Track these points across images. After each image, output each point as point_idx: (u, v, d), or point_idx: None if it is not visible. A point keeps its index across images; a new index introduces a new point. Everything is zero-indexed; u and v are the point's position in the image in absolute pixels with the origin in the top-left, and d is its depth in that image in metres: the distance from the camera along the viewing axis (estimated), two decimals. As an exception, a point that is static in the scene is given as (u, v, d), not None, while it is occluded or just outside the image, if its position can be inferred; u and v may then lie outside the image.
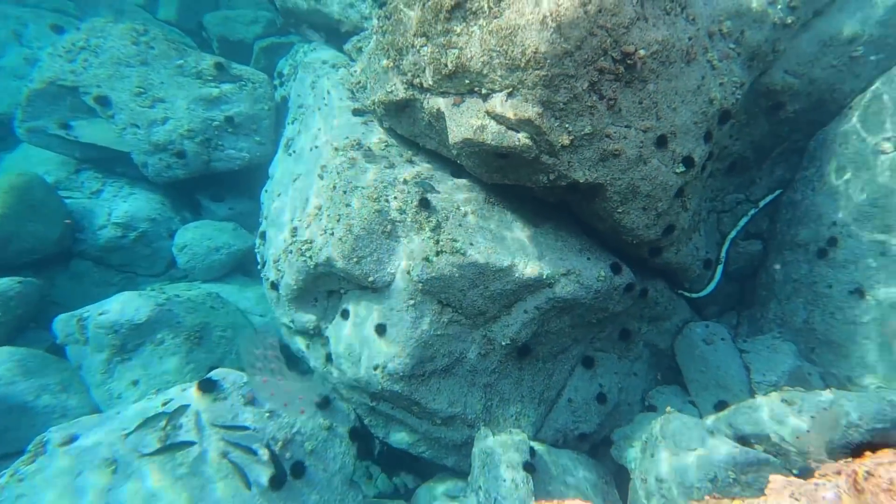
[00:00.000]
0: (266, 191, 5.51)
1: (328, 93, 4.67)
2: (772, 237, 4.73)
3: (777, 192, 4.69)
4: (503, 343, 3.64)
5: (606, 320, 4.05)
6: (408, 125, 3.99)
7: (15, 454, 3.48)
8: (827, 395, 3.02)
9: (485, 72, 2.99)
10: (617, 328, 4.28)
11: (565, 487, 3.47)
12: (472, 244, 3.53)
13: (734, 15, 3.67)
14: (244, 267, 6.17)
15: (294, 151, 5.10)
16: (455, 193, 3.89)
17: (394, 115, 3.98)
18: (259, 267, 5.16)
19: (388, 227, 3.79)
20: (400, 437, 3.85)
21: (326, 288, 4.15)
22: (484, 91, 3.08)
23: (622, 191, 3.35)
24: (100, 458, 3.08)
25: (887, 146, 3.80)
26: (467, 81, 3.14)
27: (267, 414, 3.45)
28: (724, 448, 3.03)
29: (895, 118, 3.81)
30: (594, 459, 3.99)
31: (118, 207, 5.62)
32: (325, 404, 3.78)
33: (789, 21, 3.83)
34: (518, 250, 3.56)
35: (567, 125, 3.01)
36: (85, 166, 5.94)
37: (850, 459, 2.44)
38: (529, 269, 3.49)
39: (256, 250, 5.30)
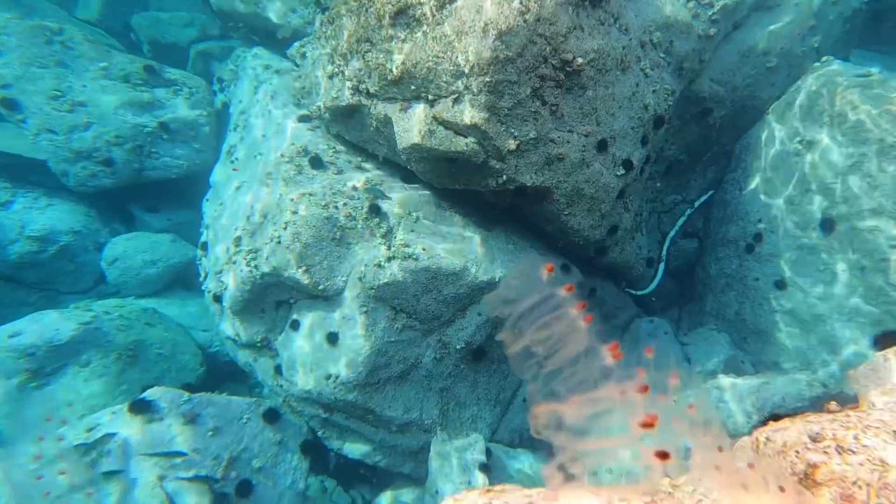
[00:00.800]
0: (207, 200, 5.24)
1: (272, 98, 4.51)
2: (706, 235, 5.06)
3: (710, 193, 5.03)
4: (458, 347, 3.64)
5: (558, 319, 4.14)
6: (356, 131, 3.93)
7: None
8: (755, 380, 3.25)
9: (430, 77, 3.00)
10: (568, 327, 4.39)
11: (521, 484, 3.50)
12: (423, 249, 3.52)
13: (663, 26, 3.92)
14: (185, 280, 5.84)
15: (236, 158, 4.89)
16: (406, 199, 3.86)
17: (341, 121, 3.90)
18: (201, 279, 4.89)
19: (338, 233, 3.71)
20: (355, 448, 3.76)
21: (274, 298, 3.99)
22: (430, 97, 3.09)
23: (568, 193, 3.46)
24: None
25: (800, 147, 4.17)
26: (413, 87, 3.13)
27: (210, 432, 3.26)
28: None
29: (805, 122, 4.19)
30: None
31: (34, 220, 5.12)
32: (273, 418, 3.63)
33: (712, 32, 4.13)
34: (470, 254, 3.59)
35: (513, 130, 3.07)
36: None
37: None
38: (482, 272, 3.52)
39: (198, 262, 5.02)
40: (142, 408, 3.22)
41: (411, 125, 3.17)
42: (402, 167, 3.96)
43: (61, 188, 5.39)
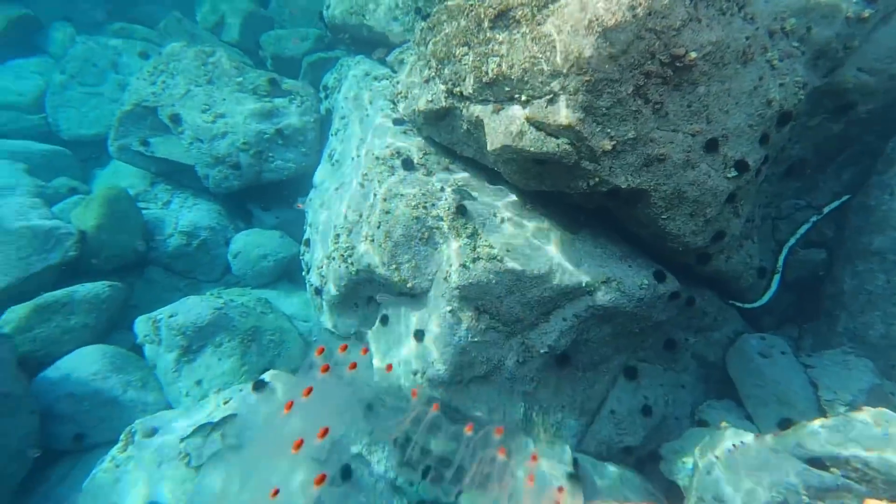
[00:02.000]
0: (310, 199, 5.73)
1: (370, 103, 4.82)
2: (839, 245, 4.37)
3: (844, 198, 4.33)
4: (541, 351, 3.58)
5: (650, 330, 3.90)
6: (446, 133, 4.05)
7: (110, 443, 3.87)
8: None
9: (525, 79, 2.99)
10: (661, 338, 4.10)
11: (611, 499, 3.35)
12: (508, 251, 3.52)
13: (800, 11, 3.45)
14: (290, 274, 6.41)
15: (337, 161, 5.30)
16: (492, 200, 3.89)
17: (433, 123, 4.04)
18: (304, 273, 5.37)
19: (426, 233, 3.85)
20: (439, 444, 3.87)
21: (367, 294, 4.26)
22: (524, 98, 3.07)
23: (667, 196, 3.22)
24: (175, 452, 3.33)
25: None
26: (507, 89, 3.14)
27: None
28: (794, 470, 2.81)
29: None
30: (641, 474, 3.83)
31: (184, 217, 6.04)
32: (368, 409, 3.87)
33: (866, 15, 3.54)
34: (556, 257, 3.51)
35: (609, 130, 2.94)
36: (158, 179, 6.44)
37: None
38: (568, 276, 3.43)
39: (301, 257, 5.51)
40: (261, 386, 3.66)
41: (502, 127, 3.18)
42: (488, 169, 3.98)
43: (203, 190, 6.29)
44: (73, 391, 4.19)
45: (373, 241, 3.91)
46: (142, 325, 4.77)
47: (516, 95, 3.10)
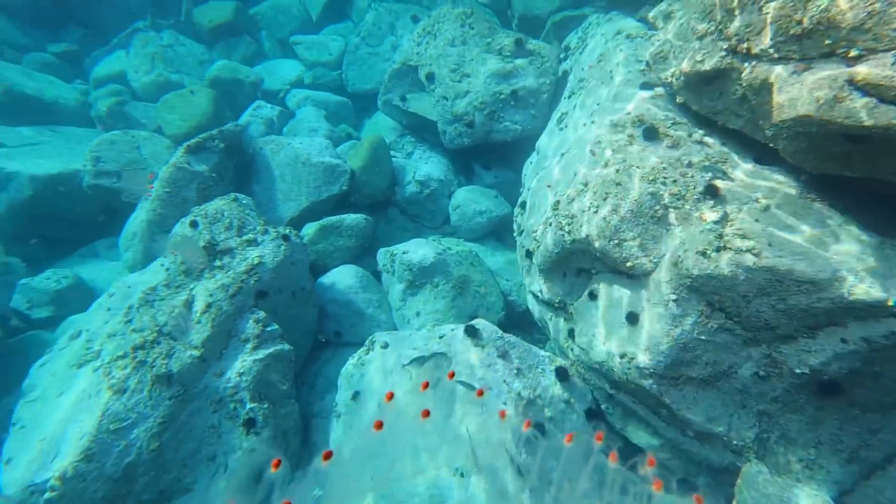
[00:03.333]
0: (531, 163, 5.77)
1: (617, 65, 4.47)
2: None
3: None
4: (797, 371, 2.94)
5: None
6: (709, 100, 3.48)
7: (356, 344, 4.85)
8: None
9: (867, 25, 2.28)
10: None
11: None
12: (770, 245, 2.91)
13: None
14: (498, 232, 6.69)
15: (566, 126, 5.16)
16: (754, 182, 3.24)
17: (695, 88, 3.52)
18: (515, 235, 5.54)
19: (660, 211, 3.48)
20: (640, 436, 3.66)
21: (577, 265, 4.16)
22: (853, 53, 2.37)
23: None
24: (401, 365, 4.03)
25: None
26: (828, 41, 2.47)
27: (515, 371, 3.80)
28: None
29: None
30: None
31: (421, 168, 6.87)
32: (564, 376, 3.89)
33: None
34: (846, 261, 2.74)
35: None
36: (406, 132, 7.38)
37: None
38: (863, 288, 2.65)
39: (514, 218, 5.68)
40: (472, 332, 4.03)
41: (804, 91, 2.54)
42: (757, 144, 3.29)
43: (437, 144, 6.98)
44: (336, 297, 5.39)
45: (596, 212, 3.74)
46: (382, 255, 5.68)
47: (841, 49, 2.40)
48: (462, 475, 3.48)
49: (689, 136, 3.59)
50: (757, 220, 3.05)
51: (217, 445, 3.82)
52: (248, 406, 3.93)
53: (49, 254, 6.32)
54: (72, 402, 3.62)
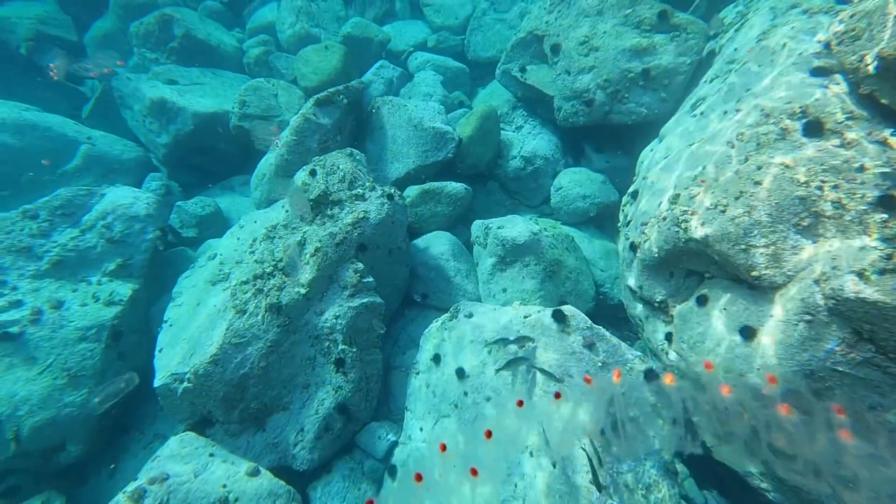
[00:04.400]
0: (651, 150, 5.32)
1: (783, 45, 3.86)
2: None
3: None
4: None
5: None
6: (905, 92, 2.89)
7: (440, 309, 5.04)
8: None
9: None
10: None
11: None
12: (957, 277, 2.41)
13: None
14: (599, 220, 6.35)
15: (701, 113, 4.64)
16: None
17: (894, 76, 2.94)
18: (619, 225, 5.21)
19: (807, 220, 3.05)
20: (739, 460, 3.36)
21: (688, 266, 3.83)
22: None
23: None
24: (482, 338, 4.08)
25: None
26: None
27: (599, 364, 3.64)
28: None
29: None
30: None
31: (528, 143, 6.67)
32: (652, 378, 3.66)
33: None
34: None
35: None
36: (520, 105, 7.13)
37: None
38: None
39: (622, 207, 5.33)
40: (560, 317, 3.91)
41: None
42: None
43: (550, 120, 6.68)
44: (428, 261, 5.54)
45: (723, 212, 3.38)
46: (477, 227, 5.67)
47: None
48: (532, 454, 3.47)
49: (868, 134, 3.03)
50: (941, 245, 2.54)
51: (311, 376, 4.21)
52: (340, 347, 4.26)
53: (199, 182, 7.23)
54: (206, 313, 4.23)
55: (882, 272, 2.61)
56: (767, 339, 3.06)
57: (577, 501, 3.15)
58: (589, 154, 6.62)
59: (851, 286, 2.67)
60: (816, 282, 2.89)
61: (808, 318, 2.89)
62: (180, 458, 3.37)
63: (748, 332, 3.18)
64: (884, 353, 2.65)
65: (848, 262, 2.76)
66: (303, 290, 4.27)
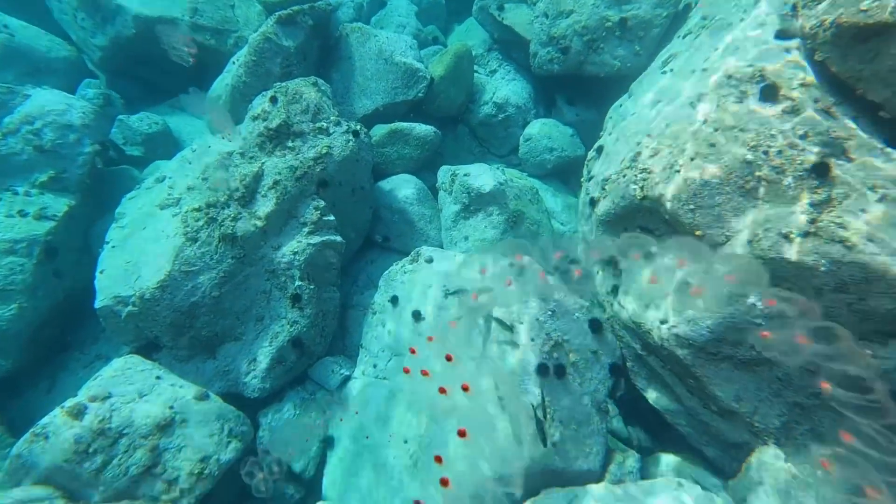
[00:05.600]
0: (619, 105, 5.33)
1: (756, 3, 3.84)
2: None
3: None
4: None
5: None
6: (857, 62, 2.97)
7: (402, 253, 5.06)
8: None
9: None
10: None
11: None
12: (870, 240, 2.63)
13: None
14: (564, 174, 6.41)
15: (671, 70, 4.63)
16: (876, 168, 2.85)
17: (845, 44, 3.00)
18: (582, 179, 5.29)
19: (751, 183, 3.19)
20: (659, 398, 3.68)
21: (641, 223, 3.96)
22: None
23: None
24: (440, 283, 4.15)
25: None
26: None
27: (550, 312, 3.82)
28: None
29: None
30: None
31: (501, 89, 6.49)
32: (597, 328, 3.89)
33: None
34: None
35: None
36: (495, 47, 6.87)
37: None
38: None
39: (587, 163, 5.38)
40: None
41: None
42: (891, 126, 2.85)
43: (525, 67, 6.50)
44: (391, 204, 5.49)
45: (678, 172, 3.48)
46: (443, 173, 5.63)
47: None
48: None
49: (816, 102, 3.14)
50: (863, 211, 2.73)
51: (266, 309, 4.21)
52: (297, 283, 4.25)
53: (145, 96, 6.67)
54: (154, 238, 4.08)
55: (805, 235, 2.81)
56: (700, 293, 3.28)
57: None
58: (560, 106, 6.56)
59: (777, 247, 2.87)
60: (750, 242, 3.08)
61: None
62: (124, 378, 3.36)
63: (687, 286, 3.38)
64: (796, 308, 2.90)
65: (778, 224, 2.94)
66: (259, 224, 4.17)
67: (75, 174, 4.85)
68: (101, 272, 4.18)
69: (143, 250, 4.06)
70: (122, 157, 5.95)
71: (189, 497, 3.00)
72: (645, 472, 3.63)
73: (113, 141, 5.86)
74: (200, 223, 4.01)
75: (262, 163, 4.38)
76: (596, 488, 3.25)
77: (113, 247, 4.31)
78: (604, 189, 4.39)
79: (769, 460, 2.96)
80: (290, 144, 4.52)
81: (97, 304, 3.95)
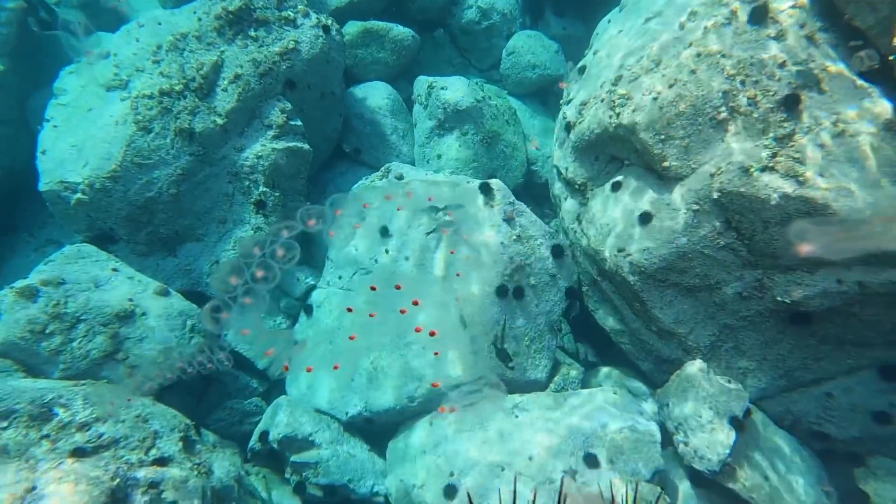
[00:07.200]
0: (608, 21, 5.01)
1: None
2: None
3: None
4: (778, 298, 3.03)
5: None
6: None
7: (372, 167, 4.87)
8: None
9: None
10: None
11: (769, 471, 3.12)
12: (822, 175, 2.74)
13: None
14: (545, 94, 6.15)
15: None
16: (844, 100, 2.88)
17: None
18: (561, 101, 5.12)
19: (723, 115, 3.19)
20: (608, 320, 3.92)
21: (613, 152, 3.95)
22: None
23: None
24: (410, 202, 4.05)
25: None
26: None
27: (515, 237, 3.88)
28: None
29: None
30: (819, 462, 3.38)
31: (487, -8, 5.95)
32: (558, 254, 4.01)
33: None
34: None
35: None
36: None
37: None
38: None
39: (567, 83, 5.18)
40: (487, 190, 3.98)
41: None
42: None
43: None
44: (364, 113, 5.23)
45: (655, 99, 3.41)
46: (420, 84, 5.29)
47: None
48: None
49: (802, 26, 3.06)
50: (822, 146, 2.81)
51: (228, 212, 4.11)
52: (261, 189, 4.12)
53: None
54: (101, 122, 3.79)
55: (763, 169, 2.89)
56: (658, 224, 3.38)
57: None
58: (548, 17, 6.17)
59: (735, 181, 2.95)
60: (712, 175, 3.14)
61: (695, 207, 3.20)
62: (78, 266, 3.30)
63: (646, 218, 3.46)
64: (741, 239, 3.06)
65: (740, 158, 3.00)
66: (220, 121, 3.93)
67: (2, 34, 4.32)
68: (42, 152, 3.90)
69: (89, 134, 3.77)
70: (54, 18, 5.21)
71: (153, 382, 3.10)
72: (586, 383, 3.99)
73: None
74: (153, 112, 3.73)
75: (222, 51, 4.02)
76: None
77: (55, 126, 3.98)
78: (580, 114, 4.28)
79: (694, 372, 3.30)
80: (252, 34, 4.14)
81: (41, 188, 3.73)
